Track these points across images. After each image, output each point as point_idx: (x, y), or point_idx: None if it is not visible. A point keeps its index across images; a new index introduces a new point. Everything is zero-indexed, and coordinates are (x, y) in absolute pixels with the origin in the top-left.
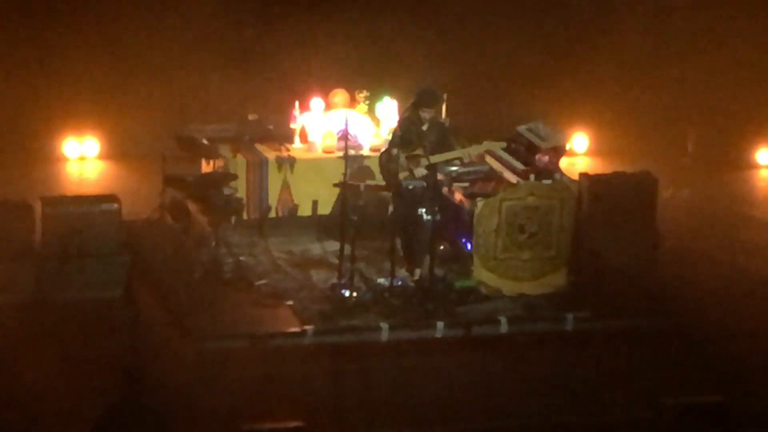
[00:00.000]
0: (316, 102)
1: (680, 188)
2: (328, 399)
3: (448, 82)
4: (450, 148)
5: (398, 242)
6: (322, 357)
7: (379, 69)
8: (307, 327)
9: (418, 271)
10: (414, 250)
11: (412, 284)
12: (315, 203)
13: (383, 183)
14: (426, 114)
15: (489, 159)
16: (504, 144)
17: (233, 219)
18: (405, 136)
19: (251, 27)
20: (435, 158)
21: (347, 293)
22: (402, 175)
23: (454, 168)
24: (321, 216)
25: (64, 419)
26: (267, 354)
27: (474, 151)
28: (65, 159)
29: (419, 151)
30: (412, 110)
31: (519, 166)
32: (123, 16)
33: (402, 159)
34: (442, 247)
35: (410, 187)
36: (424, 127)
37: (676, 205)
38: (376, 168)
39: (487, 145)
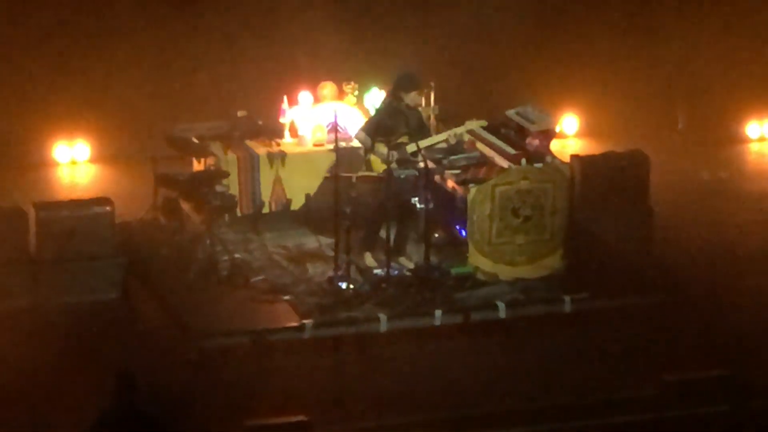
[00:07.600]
0: (305, 96)
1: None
2: (330, 391)
3: (435, 69)
4: (428, 133)
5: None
6: (322, 350)
7: (365, 60)
8: (305, 321)
9: (403, 260)
10: (405, 237)
11: (408, 273)
12: (308, 197)
13: (375, 173)
14: (408, 99)
15: (480, 145)
16: (485, 122)
17: (227, 216)
18: (387, 124)
19: (236, 23)
20: (423, 143)
21: (344, 285)
22: (382, 166)
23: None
24: (313, 210)
25: (63, 424)
26: (267, 349)
27: (459, 130)
28: (56, 163)
29: (404, 139)
30: (392, 97)
31: (510, 150)
32: (109, 19)
33: (380, 148)
34: (436, 235)
35: (402, 176)
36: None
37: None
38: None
39: (469, 124)
